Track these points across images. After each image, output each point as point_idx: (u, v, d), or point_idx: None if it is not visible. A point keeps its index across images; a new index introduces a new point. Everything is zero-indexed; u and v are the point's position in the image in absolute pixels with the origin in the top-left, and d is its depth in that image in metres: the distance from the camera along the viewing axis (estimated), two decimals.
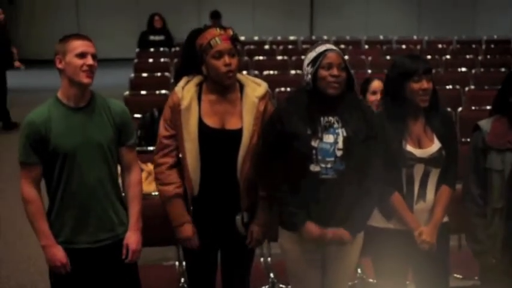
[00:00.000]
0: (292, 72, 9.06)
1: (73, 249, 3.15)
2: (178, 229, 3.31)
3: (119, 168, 3.35)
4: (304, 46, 12.25)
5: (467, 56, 10.96)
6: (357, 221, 3.17)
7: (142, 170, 3.77)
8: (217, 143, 3.23)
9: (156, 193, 4.32)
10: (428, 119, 3.32)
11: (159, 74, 8.79)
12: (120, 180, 3.36)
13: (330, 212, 3.12)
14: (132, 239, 3.25)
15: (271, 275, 4.04)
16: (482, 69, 9.72)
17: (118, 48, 14.64)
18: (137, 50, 11.19)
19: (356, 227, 3.18)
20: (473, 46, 12.79)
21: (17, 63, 9.79)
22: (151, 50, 11.08)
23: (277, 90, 7.63)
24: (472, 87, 8.24)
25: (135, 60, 10.20)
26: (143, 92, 7.67)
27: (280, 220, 3.29)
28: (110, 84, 9.00)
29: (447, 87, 7.91)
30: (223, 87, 3.26)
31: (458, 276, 4.00)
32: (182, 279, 3.96)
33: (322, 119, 3.13)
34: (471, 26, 16.92)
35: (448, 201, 3.32)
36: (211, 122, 3.24)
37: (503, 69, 9.30)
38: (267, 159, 3.19)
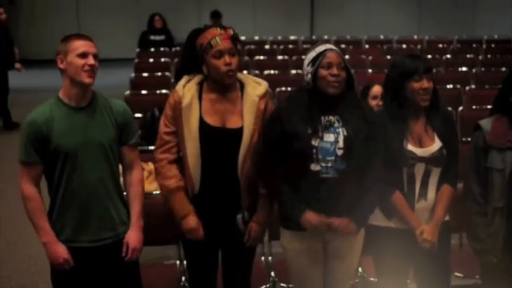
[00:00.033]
0: (293, 71, 9.06)
1: (74, 248, 3.15)
2: (182, 221, 3.28)
3: (120, 168, 3.35)
4: (305, 46, 12.25)
5: (468, 56, 10.96)
6: (359, 215, 3.16)
7: (143, 169, 3.77)
8: (218, 141, 3.23)
9: (157, 192, 4.34)
10: (429, 118, 3.32)
11: (159, 73, 8.80)
12: (121, 180, 3.36)
13: (331, 211, 3.12)
14: (132, 237, 3.25)
15: (272, 274, 4.04)
16: (482, 69, 9.72)
17: (118, 48, 14.64)
18: (138, 49, 11.20)
19: (359, 220, 3.17)
20: (474, 45, 12.80)
21: (17, 66, 9.76)
22: (152, 49, 11.09)
23: (277, 89, 7.64)
24: (473, 86, 8.25)
25: (136, 60, 10.21)
26: (144, 92, 7.68)
27: (281, 219, 3.30)
28: (111, 84, 9.01)
29: (448, 86, 7.92)
30: (224, 87, 3.26)
31: (459, 275, 4.00)
32: (183, 278, 3.96)
33: (322, 118, 3.14)
34: (471, 26, 16.92)
35: (449, 200, 3.32)
36: (212, 120, 3.25)
37: (503, 69, 9.30)
38: (267, 157, 3.19)
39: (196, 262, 3.43)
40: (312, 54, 3.16)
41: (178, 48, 10.78)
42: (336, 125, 3.14)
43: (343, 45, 12.03)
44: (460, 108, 6.86)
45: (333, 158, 3.10)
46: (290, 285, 3.68)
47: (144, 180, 3.61)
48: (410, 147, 3.25)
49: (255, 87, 3.32)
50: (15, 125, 9.45)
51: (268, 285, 3.95)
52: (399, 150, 3.22)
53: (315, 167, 3.10)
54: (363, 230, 3.28)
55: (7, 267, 5.22)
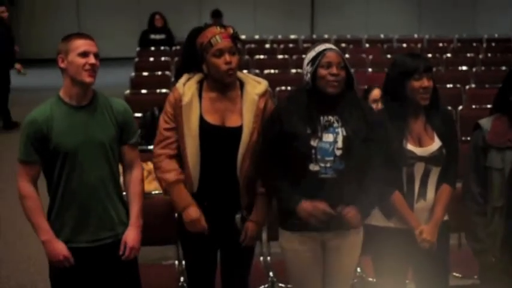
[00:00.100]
0: (293, 71, 9.05)
1: (73, 248, 3.15)
2: (183, 213, 3.26)
3: (120, 168, 3.35)
4: (305, 45, 12.23)
5: (468, 55, 10.94)
6: (361, 208, 3.14)
7: (142, 169, 3.76)
8: (217, 140, 3.23)
9: (157, 192, 4.35)
10: (429, 118, 3.32)
11: (159, 72, 8.79)
12: (121, 179, 3.35)
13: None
14: (130, 236, 3.24)
15: (271, 274, 4.04)
16: (482, 68, 9.71)
17: (119, 48, 14.63)
18: (138, 49, 11.19)
19: (362, 213, 3.15)
20: (474, 44, 12.77)
21: (17, 66, 9.73)
22: (152, 48, 11.08)
23: (277, 89, 7.63)
24: (473, 85, 8.24)
25: (136, 59, 10.20)
26: (144, 91, 7.68)
27: (280, 220, 3.29)
28: (111, 83, 9.00)
29: (448, 85, 7.91)
30: (224, 85, 3.26)
31: (457, 275, 4.00)
32: (182, 278, 3.96)
33: (322, 118, 3.13)
34: (471, 26, 16.90)
35: (448, 199, 3.32)
36: (211, 119, 3.24)
37: (503, 68, 9.28)
38: (266, 157, 3.19)
39: (195, 262, 3.43)
40: (311, 54, 3.16)
41: (178, 47, 10.77)
42: (335, 125, 3.13)
43: (343, 45, 12.02)
44: (460, 107, 6.85)
45: (331, 158, 3.09)
46: (289, 286, 3.68)
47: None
48: (409, 146, 3.25)
49: (255, 86, 3.31)
50: (14, 125, 9.43)
51: (266, 286, 3.95)
52: (399, 149, 3.22)
53: (313, 167, 3.09)
54: (362, 230, 3.28)
55: (6, 267, 5.22)
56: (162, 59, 10.11)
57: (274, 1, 16.99)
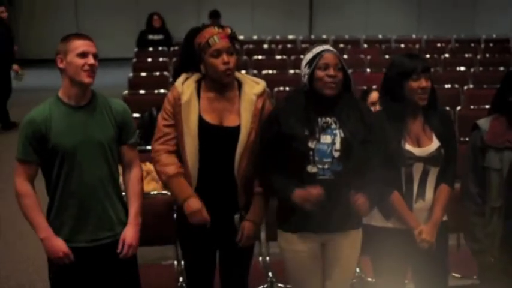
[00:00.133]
0: (291, 71, 9.04)
1: (72, 248, 3.14)
2: (185, 204, 3.22)
3: (120, 168, 3.35)
4: (303, 45, 12.24)
5: (466, 55, 10.95)
6: (369, 197, 3.12)
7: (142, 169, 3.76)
8: (215, 139, 3.24)
9: (155, 192, 4.36)
10: (427, 118, 3.32)
11: (157, 73, 8.79)
12: (121, 180, 3.35)
13: (328, 213, 3.13)
14: (129, 233, 3.23)
15: (270, 274, 4.04)
16: (481, 68, 9.72)
17: (117, 48, 14.61)
18: (136, 49, 11.19)
19: (370, 199, 3.12)
20: (472, 45, 12.79)
21: (15, 67, 9.69)
22: (150, 49, 11.08)
23: (276, 89, 7.64)
24: (471, 86, 8.25)
25: (134, 60, 10.20)
26: (142, 92, 7.67)
27: (278, 221, 3.30)
28: (109, 83, 8.98)
29: (446, 86, 7.92)
30: (222, 85, 3.27)
31: (456, 275, 4.00)
32: (181, 279, 3.96)
33: (319, 119, 3.14)
34: (471, 26, 16.90)
35: (447, 199, 3.32)
36: (209, 118, 3.25)
37: (502, 68, 9.30)
38: (264, 158, 3.19)
39: (194, 262, 3.43)
40: (309, 56, 3.16)
41: (176, 48, 10.77)
42: (333, 126, 3.14)
43: (341, 45, 12.03)
44: (458, 107, 6.87)
45: (329, 160, 3.10)
46: (288, 286, 3.68)
47: None
48: (408, 147, 3.25)
49: (253, 86, 3.32)
50: (13, 125, 9.43)
51: (265, 286, 3.95)
52: (397, 150, 3.22)
53: (311, 168, 3.10)
54: (361, 231, 3.28)
55: (6, 267, 5.22)
56: (160, 59, 10.10)
57: (273, 1, 16.98)
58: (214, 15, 11.83)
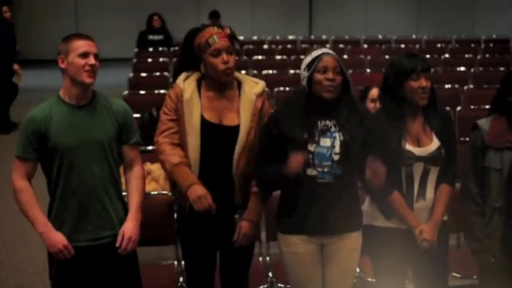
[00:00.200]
0: (291, 71, 9.04)
1: (72, 247, 3.13)
2: (189, 190, 3.18)
3: (121, 169, 3.35)
4: (303, 46, 12.25)
5: (466, 55, 10.95)
6: None
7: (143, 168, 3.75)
8: (216, 138, 3.24)
9: (155, 192, 4.36)
10: (427, 118, 3.32)
11: (158, 73, 8.79)
12: (122, 180, 3.35)
13: (327, 215, 3.13)
14: (128, 227, 3.21)
15: (270, 274, 4.04)
16: (481, 68, 9.72)
17: (117, 48, 14.62)
18: (136, 49, 11.19)
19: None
20: (472, 45, 12.79)
21: (15, 67, 9.69)
22: (150, 49, 11.08)
23: (275, 89, 7.64)
24: (471, 86, 8.25)
25: (134, 60, 10.20)
26: (142, 92, 7.67)
27: (277, 223, 3.30)
28: (109, 84, 8.98)
29: (446, 86, 7.91)
30: (221, 85, 3.28)
31: (456, 275, 4.00)
32: (181, 279, 3.96)
33: (319, 122, 3.14)
34: (471, 26, 16.91)
35: (448, 199, 3.32)
36: (210, 117, 3.26)
37: (502, 69, 9.29)
38: (262, 160, 3.19)
39: (194, 262, 3.43)
40: (308, 59, 3.16)
41: (176, 48, 10.76)
42: (333, 129, 3.14)
43: (341, 45, 12.03)
44: (458, 108, 6.87)
45: (329, 163, 3.10)
46: (288, 286, 3.68)
47: None
48: (408, 146, 3.25)
49: (252, 86, 3.33)
50: (13, 126, 9.42)
51: (266, 286, 3.95)
52: (397, 150, 3.22)
53: (311, 171, 3.10)
54: (361, 233, 3.28)
55: (5, 268, 5.21)
56: (160, 59, 10.10)
57: (273, 2, 16.98)
58: (214, 16, 11.84)
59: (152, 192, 4.32)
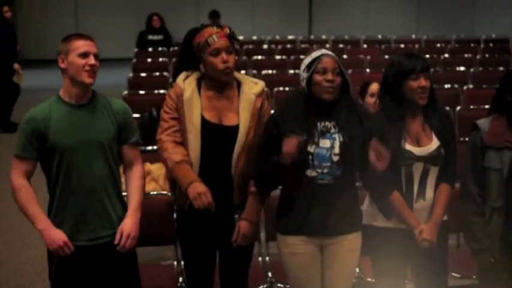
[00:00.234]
0: (291, 71, 9.04)
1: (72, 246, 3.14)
2: (189, 188, 3.17)
3: (121, 169, 3.35)
4: (303, 46, 12.27)
5: (466, 55, 10.96)
6: None
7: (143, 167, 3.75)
8: (215, 137, 3.25)
9: (155, 192, 4.36)
10: (427, 118, 3.32)
11: (157, 73, 8.80)
12: (122, 180, 3.35)
13: (326, 216, 3.13)
14: (127, 223, 3.20)
15: (269, 274, 4.04)
16: (480, 68, 9.73)
17: (117, 48, 14.62)
18: (135, 49, 11.19)
19: None
20: (472, 45, 12.80)
21: (16, 66, 9.68)
22: (150, 49, 11.09)
23: (275, 89, 7.64)
24: (471, 86, 8.26)
25: (134, 60, 10.20)
26: (142, 92, 7.68)
27: (277, 224, 3.30)
28: (109, 84, 8.97)
29: (445, 86, 7.92)
30: (221, 84, 3.28)
31: (456, 275, 4.00)
32: (180, 279, 3.96)
33: (318, 124, 3.14)
34: (470, 26, 16.91)
35: (447, 199, 3.31)
36: (209, 116, 3.26)
37: (501, 68, 9.30)
38: (261, 161, 3.19)
39: (193, 262, 3.43)
40: (307, 60, 3.16)
41: (176, 48, 10.76)
42: (332, 130, 3.14)
43: (341, 45, 12.04)
44: (458, 107, 6.87)
45: (328, 164, 3.10)
46: (287, 286, 3.68)
47: None
48: (408, 146, 3.25)
49: (252, 86, 3.33)
50: (13, 125, 9.41)
51: (265, 286, 3.95)
52: (397, 149, 3.22)
53: (311, 173, 3.11)
54: (361, 233, 3.28)
55: (5, 268, 5.21)
56: (160, 59, 10.11)
57: (272, 2, 16.98)
58: (214, 16, 11.84)
59: (152, 192, 4.32)
